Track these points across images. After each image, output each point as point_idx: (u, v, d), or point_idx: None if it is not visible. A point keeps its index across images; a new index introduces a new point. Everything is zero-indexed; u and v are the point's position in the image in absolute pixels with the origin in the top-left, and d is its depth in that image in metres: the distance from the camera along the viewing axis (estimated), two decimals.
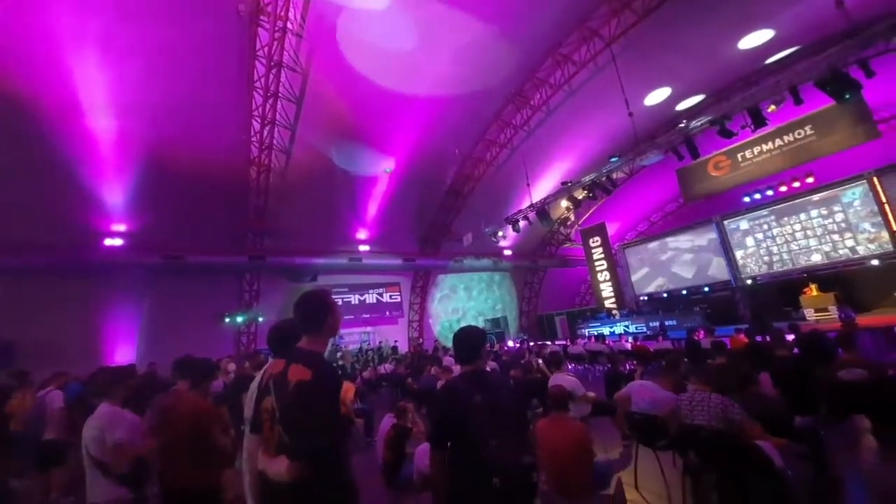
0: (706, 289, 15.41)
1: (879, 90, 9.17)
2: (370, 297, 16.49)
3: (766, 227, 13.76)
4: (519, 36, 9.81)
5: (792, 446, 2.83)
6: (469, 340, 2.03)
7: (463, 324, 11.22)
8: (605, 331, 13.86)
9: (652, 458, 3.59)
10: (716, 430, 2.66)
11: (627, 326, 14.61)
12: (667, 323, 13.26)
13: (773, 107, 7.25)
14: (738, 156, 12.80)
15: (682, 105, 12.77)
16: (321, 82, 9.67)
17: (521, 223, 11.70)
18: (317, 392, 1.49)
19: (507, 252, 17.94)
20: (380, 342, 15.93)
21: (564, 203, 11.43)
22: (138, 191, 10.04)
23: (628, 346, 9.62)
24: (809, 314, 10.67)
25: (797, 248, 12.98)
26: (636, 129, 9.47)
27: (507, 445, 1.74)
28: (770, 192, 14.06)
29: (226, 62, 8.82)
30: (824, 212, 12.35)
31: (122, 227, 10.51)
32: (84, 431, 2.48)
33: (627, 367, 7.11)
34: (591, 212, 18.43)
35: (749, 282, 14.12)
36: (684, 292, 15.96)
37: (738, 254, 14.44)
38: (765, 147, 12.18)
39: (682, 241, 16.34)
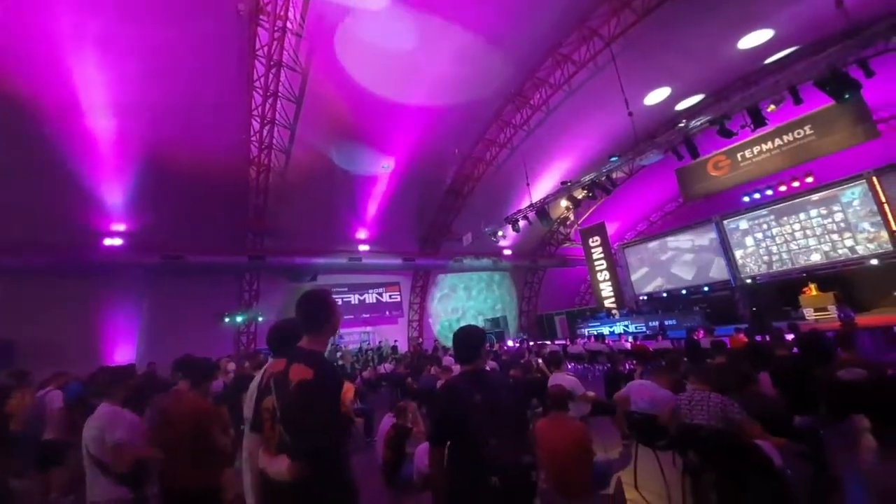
0: (706, 288, 15.42)
1: (879, 90, 9.18)
2: (370, 297, 16.49)
3: (765, 226, 13.77)
4: (519, 36, 9.81)
5: (791, 446, 2.83)
6: (469, 340, 2.03)
7: (462, 323, 11.16)
8: (605, 330, 13.87)
9: (651, 458, 3.60)
10: (715, 429, 2.66)
11: (627, 326, 14.63)
12: (666, 322, 13.27)
13: (772, 106, 7.25)
14: (738, 155, 12.81)
15: (682, 105, 12.77)
16: (321, 82, 9.67)
17: (521, 223, 11.70)
18: (318, 392, 1.49)
19: (507, 252, 17.94)
20: (379, 342, 15.93)
21: (564, 203, 11.43)
22: (138, 191, 10.03)
23: (628, 345, 9.63)
24: (809, 314, 10.68)
25: (797, 247, 12.99)
26: (636, 128, 9.48)
27: (507, 445, 1.74)
28: (770, 192, 14.07)
29: (225, 62, 8.82)
30: (824, 211, 12.36)
31: (121, 227, 10.50)
32: (84, 431, 2.48)
33: (627, 367, 7.13)
34: (590, 211, 18.43)
35: (748, 281, 14.13)
36: (684, 292, 15.97)
37: (738, 253, 14.44)
38: (764, 147, 12.19)
39: (683, 240, 16.35)
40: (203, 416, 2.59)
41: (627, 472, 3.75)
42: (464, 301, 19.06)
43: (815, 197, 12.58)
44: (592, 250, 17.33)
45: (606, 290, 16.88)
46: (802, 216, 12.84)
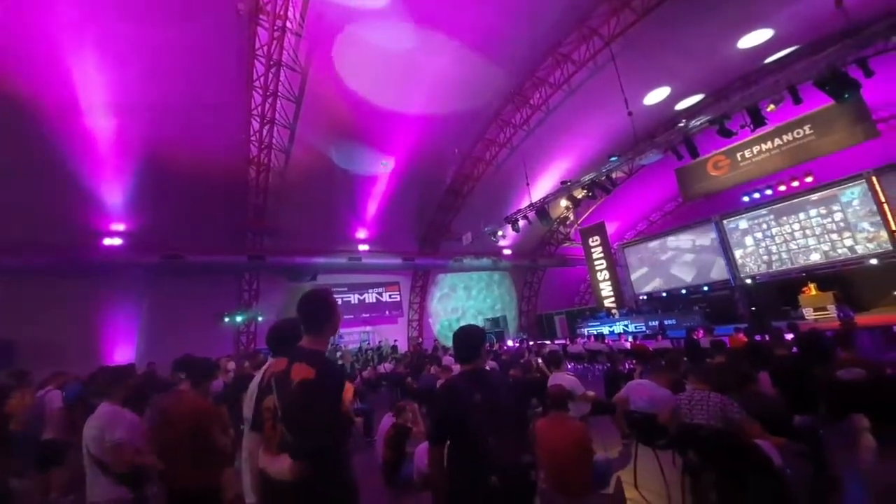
0: (705, 288, 15.42)
1: (878, 89, 9.18)
2: (370, 297, 16.48)
3: (765, 226, 13.77)
4: (518, 35, 9.81)
5: (791, 445, 2.84)
6: (469, 339, 2.04)
7: (462, 323, 11.18)
8: (605, 330, 13.88)
9: (651, 457, 3.60)
10: (715, 428, 2.66)
11: (627, 326, 14.63)
12: (666, 322, 13.27)
13: (772, 106, 7.26)
14: (738, 155, 12.82)
15: (682, 104, 12.77)
16: (320, 82, 9.67)
17: (521, 222, 11.71)
18: (320, 391, 1.49)
19: (507, 251, 17.94)
20: (379, 341, 15.92)
21: (564, 202, 11.45)
22: (138, 190, 10.03)
23: (628, 345, 9.63)
24: (808, 313, 10.68)
25: (796, 247, 13.00)
26: (635, 128, 9.48)
27: (507, 444, 1.74)
28: (769, 192, 14.08)
29: (225, 61, 8.82)
30: (823, 211, 12.37)
31: (121, 227, 10.50)
32: (84, 431, 2.48)
33: (627, 367, 7.13)
34: (590, 211, 18.44)
35: (748, 281, 14.13)
36: (684, 291, 15.97)
37: (738, 253, 14.44)
38: (764, 146, 12.21)
39: (683, 240, 16.35)
40: (203, 415, 2.59)
41: (627, 471, 3.76)
42: (463, 301, 19.06)
43: (814, 197, 12.58)
44: (592, 250, 17.34)
45: (606, 289, 16.88)
46: (802, 216, 12.84)
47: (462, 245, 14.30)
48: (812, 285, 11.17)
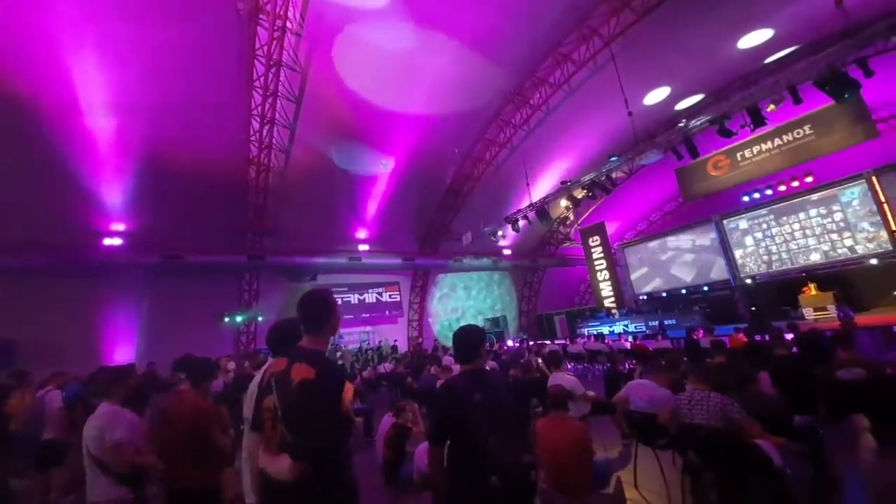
0: (705, 288, 15.42)
1: (878, 89, 9.18)
2: (370, 297, 16.48)
3: (765, 226, 13.77)
4: (518, 35, 9.81)
5: (791, 445, 2.84)
6: (469, 339, 2.03)
7: (462, 323, 11.18)
8: (605, 330, 13.88)
9: (651, 457, 3.60)
10: (715, 428, 2.66)
11: (627, 326, 14.63)
12: (666, 322, 13.27)
13: (772, 106, 7.26)
14: (738, 155, 12.82)
15: (682, 104, 12.77)
16: (320, 82, 9.67)
17: (521, 222, 11.70)
18: (320, 391, 1.49)
19: (507, 251, 17.94)
20: (379, 341, 15.92)
21: (564, 202, 11.44)
22: (137, 190, 10.03)
23: (628, 345, 9.63)
24: (808, 313, 10.68)
25: (796, 247, 13.00)
26: (635, 128, 9.48)
27: (507, 444, 1.74)
28: (769, 192, 14.08)
29: (225, 61, 8.81)
30: (823, 211, 12.37)
31: (121, 227, 10.50)
32: (84, 431, 2.48)
33: (627, 367, 7.13)
34: (590, 211, 18.44)
35: (748, 281, 14.13)
36: (684, 291, 15.97)
37: (738, 253, 14.44)
38: (764, 146, 12.20)
39: (683, 240, 16.35)
40: (203, 415, 2.59)
41: (627, 471, 3.76)
42: (463, 301, 19.06)
43: (814, 197, 12.58)
44: (592, 250, 17.34)
45: (606, 289, 16.88)
46: (802, 216, 12.84)
47: (462, 245, 14.29)
48: (812, 285, 11.17)
